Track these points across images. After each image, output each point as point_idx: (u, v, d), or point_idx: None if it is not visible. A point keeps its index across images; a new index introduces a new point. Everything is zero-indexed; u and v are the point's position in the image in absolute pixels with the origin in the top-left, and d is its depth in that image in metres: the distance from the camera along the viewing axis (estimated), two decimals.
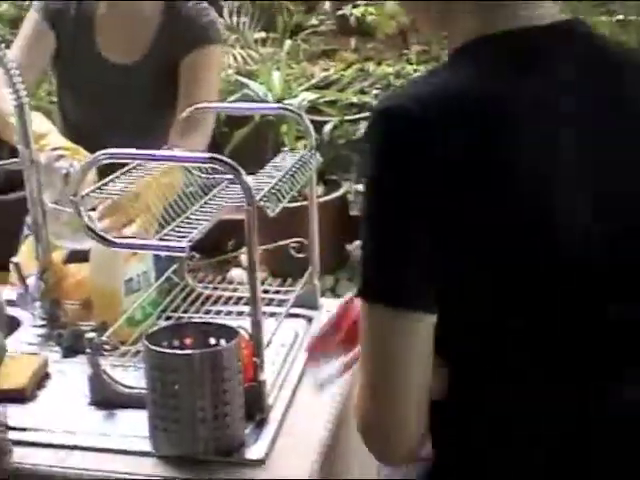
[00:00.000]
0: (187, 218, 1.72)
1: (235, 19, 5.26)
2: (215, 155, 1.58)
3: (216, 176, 1.87)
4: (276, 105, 2.36)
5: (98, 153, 1.62)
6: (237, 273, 3.86)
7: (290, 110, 2.08)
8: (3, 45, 1.95)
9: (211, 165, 1.61)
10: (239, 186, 1.58)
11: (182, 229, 1.66)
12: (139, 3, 2.53)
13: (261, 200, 1.64)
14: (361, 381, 1.22)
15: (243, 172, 1.57)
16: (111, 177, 1.79)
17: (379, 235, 1.17)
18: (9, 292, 2.17)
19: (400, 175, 1.13)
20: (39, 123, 2.19)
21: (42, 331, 2.09)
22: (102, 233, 1.62)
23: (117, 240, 1.63)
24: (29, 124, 2.00)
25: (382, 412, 1.22)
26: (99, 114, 2.55)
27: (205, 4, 2.59)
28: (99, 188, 1.73)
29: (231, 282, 2.30)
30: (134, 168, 1.84)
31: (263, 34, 5.50)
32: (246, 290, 2.13)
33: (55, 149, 2.09)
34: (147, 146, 1.85)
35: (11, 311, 2.13)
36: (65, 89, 2.63)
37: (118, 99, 2.52)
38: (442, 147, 1.11)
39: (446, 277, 1.15)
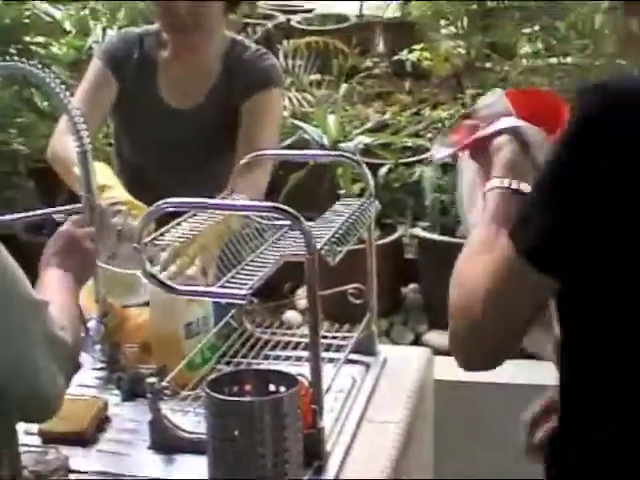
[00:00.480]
0: (247, 265, 1.74)
1: (290, 62, 5.30)
2: (277, 205, 1.60)
3: (276, 222, 1.89)
4: (335, 153, 2.38)
5: (161, 202, 1.65)
6: (292, 315, 3.86)
7: (349, 158, 2.10)
8: (68, 92, 1.99)
9: (273, 214, 1.63)
10: (299, 232, 1.60)
11: (242, 276, 1.68)
12: (202, 49, 2.56)
13: (322, 249, 1.66)
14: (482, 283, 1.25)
15: (304, 221, 1.59)
16: (171, 224, 1.81)
17: (560, 199, 1.16)
18: None
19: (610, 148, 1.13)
20: (103, 174, 2.22)
21: (102, 374, 2.12)
22: (165, 280, 1.64)
23: (180, 287, 1.65)
24: (92, 171, 2.03)
25: (495, 320, 1.26)
26: (158, 158, 2.58)
27: (264, 49, 2.63)
28: (161, 235, 1.75)
29: (288, 326, 2.32)
30: (194, 215, 1.87)
31: (318, 76, 5.53)
32: (303, 334, 2.18)
33: (114, 204, 2.12)
34: (206, 190, 1.88)
35: None
36: (124, 133, 2.66)
37: (178, 144, 2.55)
38: None
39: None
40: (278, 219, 1.79)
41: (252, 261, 1.76)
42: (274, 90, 2.55)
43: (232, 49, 2.58)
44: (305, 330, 4.02)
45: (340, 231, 1.79)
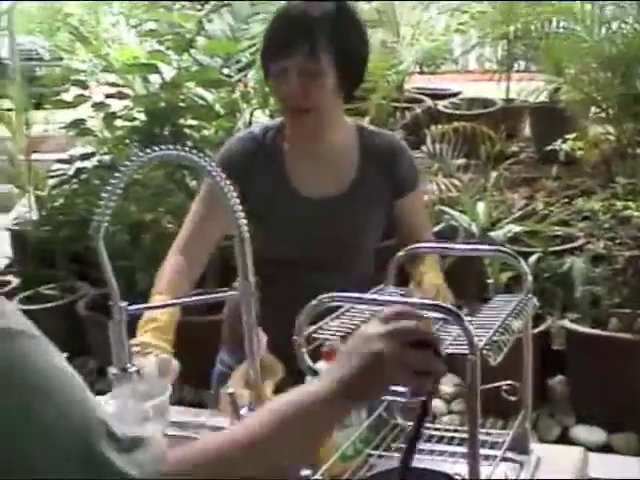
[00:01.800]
0: None
1: (438, 146, 5.32)
2: (438, 303, 1.59)
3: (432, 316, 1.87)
4: (494, 247, 2.35)
5: (323, 296, 1.66)
6: (436, 405, 3.84)
7: (508, 253, 2.08)
8: (228, 182, 2.03)
9: (435, 312, 1.61)
10: (454, 327, 1.59)
11: None
12: (320, 134, 2.51)
13: (483, 348, 1.63)
14: None
15: (465, 319, 1.57)
16: (327, 319, 1.81)
17: None
18: (220, 420, 2.21)
19: None
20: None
21: None
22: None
23: None
24: (248, 256, 2.05)
25: None
26: (304, 252, 2.53)
27: (394, 135, 2.65)
28: (320, 328, 1.76)
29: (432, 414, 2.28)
30: (349, 309, 1.87)
31: (463, 160, 5.54)
32: (451, 426, 2.14)
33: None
34: (350, 282, 1.88)
35: None
36: (261, 231, 2.47)
37: (321, 235, 2.51)
38: None
39: None
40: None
41: None
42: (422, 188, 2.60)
43: (363, 137, 2.54)
44: (450, 418, 3.96)
45: (500, 330, 1.76)
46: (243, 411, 2.12)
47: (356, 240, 2.53)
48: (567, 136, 5.16)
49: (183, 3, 6.64)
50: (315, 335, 1.74)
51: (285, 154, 2.53)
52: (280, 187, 2.51)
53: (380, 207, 2.53)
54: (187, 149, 1.93)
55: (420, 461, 1.99)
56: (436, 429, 2.17)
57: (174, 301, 2.29)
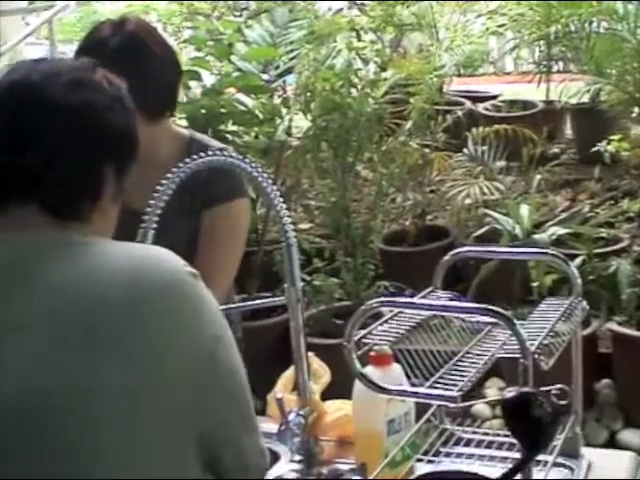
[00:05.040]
0: (455, 364, 1.72)
1: (479, 149, 5.29)
2: (490, 307, 1.58)
3: (479, 320, 1.86)
4: (542, 250, 2.33)
5: (373, 301, 1.65)
6: (481, 408, 3.81)
7: (557, 256, 2.06)
8: (275, 187, 2.03)
9: (485, 317, 1.60)
10: (504, 331, 1.58)
11: (451, 376, 1.66)
12: None
13: (535, 353, 1.62)
14: None
15: (517, 323, 1.56)
16: (377, 323, 1.81)
17: None
18: (268, 425, 2.21)
19: None
20: None
21: (299, 467, 2.11)
22: (374, 380, 1.64)
23: (389, 387, 1.64)
24: (295, 262, 2.06)
25: None
26: None
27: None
28: (370, 333, 1.75)
29: (476, 418, 2.27)
30: (398, 313, 1.86)
31: (504, 163, 5.49)
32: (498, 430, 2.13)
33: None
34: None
35: (270, 445, 2.16)
36: None
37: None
38: None
39: None
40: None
41: (460, 360, 1.74)
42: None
43: (192, 148, 2.51)
44: (494, 423, 3.93)
45: (551, 333, 1.75)
46: (291, 416, 2.12)
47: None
48: (612, 137, 5.10)
49: (222, 10, 6.67)
50: (364, 340, 1.74)
51: None
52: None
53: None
54: (235, 155, 1.94)
55: (463, 465, 1.99)
56: (485, 434, 2.16)
57: (227, 306, 2.31)
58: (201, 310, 1.39)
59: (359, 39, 5.43)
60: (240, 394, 1.44)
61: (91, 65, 1.53)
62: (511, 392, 1.45)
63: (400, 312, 1.86)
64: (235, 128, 5.05)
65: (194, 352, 1.35)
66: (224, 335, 1.40)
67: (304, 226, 5.80)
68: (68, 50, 9.23)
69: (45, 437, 1.26)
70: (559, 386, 2.09)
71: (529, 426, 1.46)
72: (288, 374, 2.26)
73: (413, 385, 1.76)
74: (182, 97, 5.09)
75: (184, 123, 4.99)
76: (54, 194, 1.42)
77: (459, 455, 2.06)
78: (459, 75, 7.32)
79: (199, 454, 1.36)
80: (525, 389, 1.51)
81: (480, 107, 6.76)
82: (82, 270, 1.35)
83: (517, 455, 1.71)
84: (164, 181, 1.87)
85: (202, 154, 2.47)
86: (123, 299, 1.32)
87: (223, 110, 4.88)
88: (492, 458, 2.04)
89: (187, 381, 1.33)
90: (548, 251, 2.19)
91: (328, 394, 2.24)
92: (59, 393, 1.27)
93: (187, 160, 1.91)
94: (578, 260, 4.10)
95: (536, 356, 1.62)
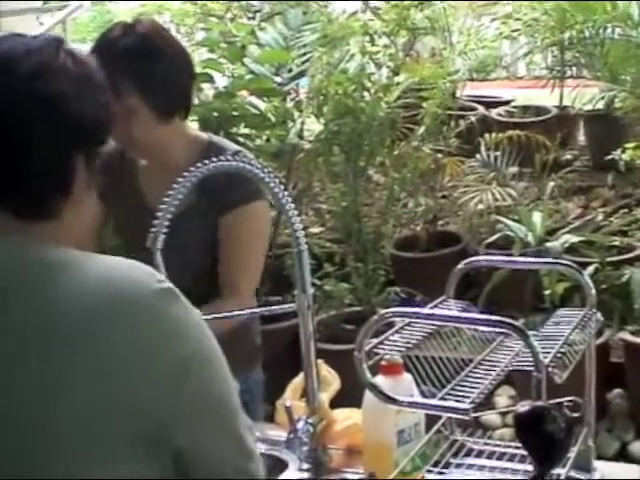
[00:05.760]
0: (467, 374, 1.70)
1: (492, 154, 5.26)
2: (504, 320, 1.56)
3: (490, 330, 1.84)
4: (555, 260, 2.31)
5: (384, 311, 1.63)
6: (491, 417, 3.78)
7: (571, 267, 2.04)
8: (286, 193, 2.02)
9: (497, 328, 1.58)
10: (517, 341, 1.56)
11: (463, 387, 1.64)
12: (150, 159, 2.62)
13: (549, 366, 1.60)
14: None
15: (531, 336, 1.54)
16: (388, 333, 1.79)
17: None
18: (277, 432, 2.19)
19: None
20: None
21: (307, 475, 2.10)
22: (385, 390, 1.62)
23: (400, 398, 1.62)
24: (306, 269, 2.04)
25: None
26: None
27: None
28: (381, 343, 1.73)
29: (486, 428, 2.25)
30: (409, 323, 1.84)
31: (517, 168, 5.46)
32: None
33: None
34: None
35: (278, 452, 2.15)
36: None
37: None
38: None
39: None
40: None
41: (471, 372, 1.72)
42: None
43: (210, 151, 2.49)
44: (504, 432, 3.90)
45: (565, 346, 1.73)
46: (299, 424, 2.11)
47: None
48: (627, 145, 5.06)
49: (235, 12, 6.64)
50: (375, 350, 1.72)
51: (140, 171, 2.65)
52: (135, 203, 2.60)
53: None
54: (246, 159, 1.92)
55: (474, 477, 1.97)
56: (496, 445, 2.14)
57: (236, 312, 2.30)
58: (168, 328, 1.30)
59: (372, 43, 5.41)
60: (221, 407, 1.37)
61: (54, 43, 1.39)
62: (524, 406, 1.44)
63: (411, 321, 1.84)
64: (247, 131, 5.03)
65: (159, 372, 1.28)
66: (198, 350, 1.32)
67: (315, 230, 5.78)
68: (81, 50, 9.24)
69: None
70: (571, 398, 2.07)
71: (542, 441, 1.45)
72: (297, 381, 2.25)
73: (423, 393, 1.75)
74: (194, 99, 5.07)
75: (196, 125, 4.98)
76: (19, 192, 1.33)
77: (470, 466, 2.04)
78: (471, 79, 7.29)
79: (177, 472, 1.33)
80: (538, 403, 1.49)
81: (493, 112, 6.73)
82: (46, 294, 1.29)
83: (529, 467, 1.69)
84: (175, 185, 1.84)
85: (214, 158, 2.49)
86: (86, 320, 1.26)
87: (235, 113, 4.86)
88: (503, 470, 2.02)
89: (152, 401, 1.27)
90: (562, 261, 2.17)
91: (337, 401, 2.23)
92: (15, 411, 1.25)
93: (199, 164, 1.90)
94: (591, 268, 4.06)
95: (550, 369, 1.60)
